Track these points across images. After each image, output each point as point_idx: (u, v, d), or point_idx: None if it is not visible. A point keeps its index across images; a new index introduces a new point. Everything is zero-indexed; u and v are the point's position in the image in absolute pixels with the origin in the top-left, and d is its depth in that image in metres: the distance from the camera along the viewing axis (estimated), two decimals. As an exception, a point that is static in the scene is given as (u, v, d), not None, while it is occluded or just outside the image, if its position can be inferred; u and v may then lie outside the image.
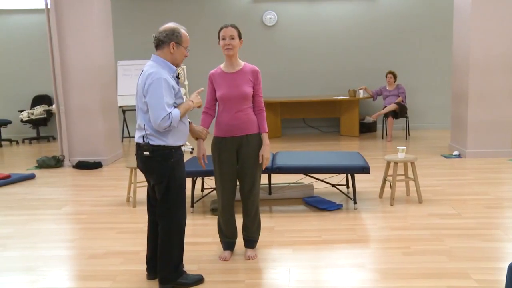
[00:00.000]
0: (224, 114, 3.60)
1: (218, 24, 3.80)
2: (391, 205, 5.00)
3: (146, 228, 4.45)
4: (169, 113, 3.06)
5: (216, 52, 3.78)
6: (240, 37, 3.62)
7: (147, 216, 3.49)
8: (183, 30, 3.22)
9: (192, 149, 8.24)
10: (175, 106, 3.19)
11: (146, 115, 3.14)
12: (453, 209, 4.80)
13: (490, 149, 7.12)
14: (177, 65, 3.27)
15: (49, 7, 7.29)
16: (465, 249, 3.82)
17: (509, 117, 7.06)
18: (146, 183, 5.47)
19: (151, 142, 3.15)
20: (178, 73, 3.42)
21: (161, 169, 3.18)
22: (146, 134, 3.16)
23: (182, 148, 3.36)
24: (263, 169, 3.77)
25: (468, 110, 7.09)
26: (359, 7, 9.90)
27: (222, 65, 3.67)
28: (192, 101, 3.35)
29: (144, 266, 3.55)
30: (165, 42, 3.17)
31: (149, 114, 3.11)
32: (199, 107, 3.44)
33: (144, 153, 3.17)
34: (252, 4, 9.98)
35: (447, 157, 7.25)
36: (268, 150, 3.68)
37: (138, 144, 3.24)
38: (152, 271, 3.42)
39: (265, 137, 3.67)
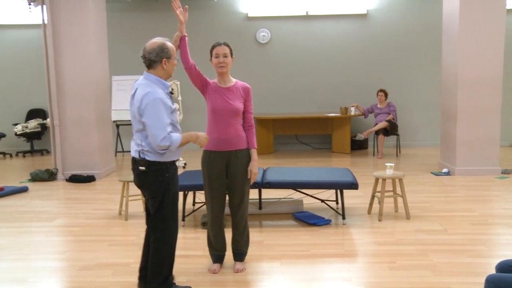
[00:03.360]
0: (214, 128, 3.68)
1: (212, 41, 3.91)
2: (379, 220, 5.08)
3: (137, 241, 4.54)
4: (168, 133, 3.12)
5: (210, 68, 3.89)
6: (231, 55, 3.72)
7: (138, 229, 3.57)
8: (169, 43, 3.27)
9: (185, 164, 8.31)
10: (172, 123, 3.26)
11: (144, 132, 3.19)
12: (440, 225, 4.88)
13: (478, 167, 7.22)
14: (169, 77, 3.35)
15: (45, 22, 7.40)
16: (450, 264, 3.90)
17: (496, 135, 7.18)
18: (138, 197, 5.56)
19: (147, 158, 3.22)
20: (172, 89, 3.50)
21: (156, 184, 3.24)
22: (142, 150, 3.23)
23: (176, 163, 3.43)
24: (251, 184, 3.85)
25: (457, 128, 7.22)
26: (351, 25, 10.08)
27: (215, 80, 3.77)
28: (198, 136, 3.32)
29: (134, 278, 3.61)
30: (157, 61, 3.21)
31: (146, 132, 3.17)
32: (201, 146, 3.46)
33: (140, 168, 3.23)
34: (246, 21, 10.15)
35: (436, 175, 7.35)
36: (257, 166, 3.77)
37: (134, 159, 3.30)
38: (143, 280, 3.47)
39: (254, 153, 3.76)
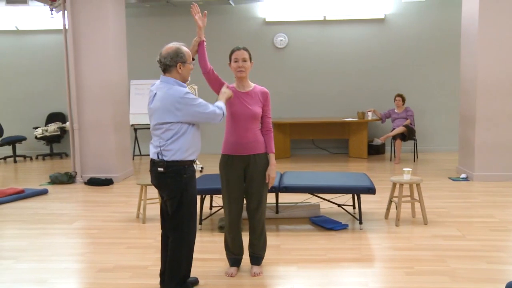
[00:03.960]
0: (232, 132, 3.71)
1: (230, 46, 3.94)
2: (397, 226, 5.06)
3: (155, 244, 4.58)
4: (214, 108, 3.35)
5: (228, 72, 3.93)
6: (250, 60, 3.75)
7: (155, 232, 3.60)
8: (184, 48, 3.35)
9: (202, 168, 8.36)
10: None
11: (166, 133, 3.27)
12: (458, 231, 4.84)
13: (497, 173, 7.14)
14: (186, 81, 3.40)
15: (67, 27, 7.53)
16: (468, 270, 3.87)
17: (516, 141, 7.11)
18: (156, 200, 5.61)
19: (165, 158, 3.27)
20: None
21: (174, 184, 3.30)
22: (161, 150, 3.28)
23: (194, 165, 3.47)
24: (269, 188, 3.87)
25: (476, 134, 7.15)
26: (369, 30, 10.06)
27: (234, 84, 3.80)
28: (225, 93, 3.62)
29: (152, 280, 3.66)
30: (172, 65, 3.30)
31: (167, 133, 3.25)
32: (230, 97, 3.67)
33: (159, 169, 3.29)
34: (263, 26, 10.19)
35: (454, 180, 7.29)
36: (275, 170, 3.79)
37: (152, 161, 3.36)
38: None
39: (272, 157, 3.78)
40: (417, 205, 5.45)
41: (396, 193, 5.27)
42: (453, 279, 3.70)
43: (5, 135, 10.12)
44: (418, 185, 5.11)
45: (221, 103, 3.46)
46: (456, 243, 4.50)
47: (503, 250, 4.31)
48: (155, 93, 3.33)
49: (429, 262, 4.05)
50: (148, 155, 3.43)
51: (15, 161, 10.04)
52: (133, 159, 9.78)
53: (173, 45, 3.33)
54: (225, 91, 3.62)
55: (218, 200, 5.84)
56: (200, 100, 3.32)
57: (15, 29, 10.57)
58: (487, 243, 4.49)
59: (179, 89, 3.26)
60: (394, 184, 5.27)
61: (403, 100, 9.20)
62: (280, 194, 5.36)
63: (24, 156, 10.35)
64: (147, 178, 5.27)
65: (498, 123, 7.09)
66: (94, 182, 7.49)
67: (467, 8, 7.43)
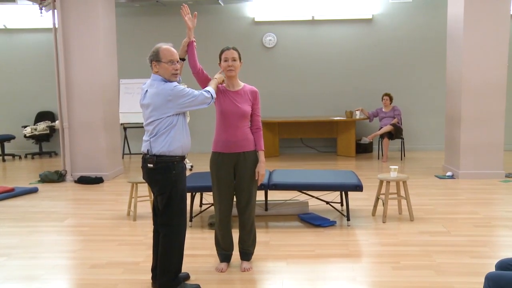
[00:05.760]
0: (222, 131, 3.79)
1: (220, 46, 4.02)
2: (383, 222, 5.16)
3: (146, 241, 4.65)
4: (203, 94, 3.47)
5: (218, 71, 4.00)
6: (240, 59, 3.83)
7: (146, 229, 3.66)
8: (163, 46, 3.44)
9: (192, 166, 8.41)
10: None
11: (157, 127, 3.37)
12: (443, 227, 4.95)
13: (482, 171, 7.29)
14: (171, 80, 3.45)
15: (56, 26, 7.54)
16: (453, 264, 3.98)
17: (500, 139, 7.25)
18: (146, 198, 5.67)
19: (154, 151, 3.36)
20: None
21: (164, 180, 3.39)
22: (150, 143, 3.38)
23: (183, 162, 3.54)
24: (259, 185, 3.94)
25: (461, 133, 7.29)
26: (357, 30, 10.17)
27: (224, 84, 3.87)
28: (216, 78, 3.75)
29: (144, 276, 3.71)
30: (150, 63, 3.45)
31: (158, 127, 3.36)
32: (221, 82, 3.80)
33: (148, 165, 3.38)
34: (252, 26, 10.26)
35: (440, 178, 7.42)
36: (264, 167, 3.86)
37: (143, 158, 3.45)
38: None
39: (261, 155, 3.86)
40: (403, 202, 5.56)
41: (383, 191, 5.37)
42: (438, 273, 3.80)
43: (-7, 133, 10.10)
44: (404, 182, 5.22)
45: (210, 88, 3.60)
46: (441, 239, 4.61)
47: (486, 245, 4.42)
48: (146, 90, 3.43)
49: (415, 257, 4.16)
50: (138, 153, 3.52)
51: (3, 160, 10.01)
52: (122, 157, 9.79)
53: (156, 45, 3.46)
54: (217, 77, 3.78)
55: (208, 197, 5.90)
56: (187, 89, 3.43)
57: (3, 27, 10.53)
58: (471, 239, 4.60)
59: (167, 85, 3.38)
60: (381, 182, 5.37)
61: (391, 99, 9.33)
62: (269, 192, 5.44)
63: (13, 155, 10.31)
64: (137, 176, 5.33)
65: (483, 122, 7.23)
66: (84, 180, 7.51)
67: (452, 10, 7.56)
